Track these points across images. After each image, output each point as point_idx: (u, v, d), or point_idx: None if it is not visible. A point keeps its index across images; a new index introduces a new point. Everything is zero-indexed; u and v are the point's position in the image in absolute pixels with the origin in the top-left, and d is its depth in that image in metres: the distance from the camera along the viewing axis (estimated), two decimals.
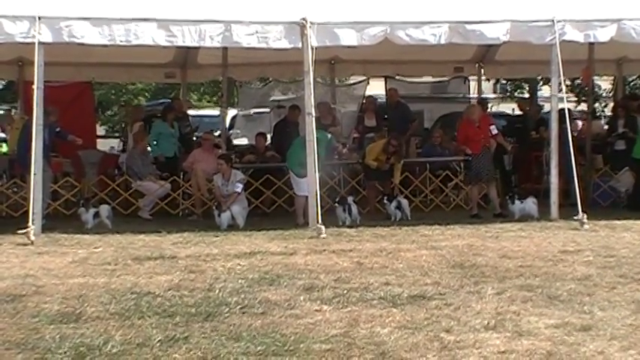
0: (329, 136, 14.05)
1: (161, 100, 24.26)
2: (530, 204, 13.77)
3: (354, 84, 21.28)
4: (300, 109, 14.44)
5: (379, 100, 18.55)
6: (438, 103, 22.84)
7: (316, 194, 12.27)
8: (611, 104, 21.49)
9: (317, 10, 12.65)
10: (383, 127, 16.67)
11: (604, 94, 32.03)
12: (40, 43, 11.89)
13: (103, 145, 21.33)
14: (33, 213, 11.54)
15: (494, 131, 14.80)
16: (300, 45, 12.53)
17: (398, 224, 13.03)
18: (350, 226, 12.81)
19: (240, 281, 8.39)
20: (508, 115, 22.88)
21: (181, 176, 15.28)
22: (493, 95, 31.73)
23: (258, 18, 12.61)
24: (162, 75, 19.16)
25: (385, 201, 14.09)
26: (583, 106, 25.29)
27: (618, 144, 16.25)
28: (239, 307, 7.25)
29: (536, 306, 7.25)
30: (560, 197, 13.51)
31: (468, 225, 12.75)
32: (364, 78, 20.20)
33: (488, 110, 18.23)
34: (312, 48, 12.42)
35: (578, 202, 12.61)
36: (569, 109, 14.84)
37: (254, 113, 22.35)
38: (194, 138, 17.12)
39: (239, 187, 13.66)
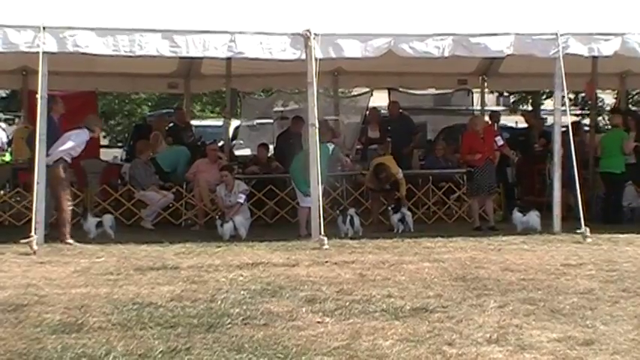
0: (331, 147, 13.96)
1: (164, 110, 24.30)
2: (533, 217, 13.77)
3: (357, 95, 21.30)
4: (303, 120, 14.44)
5: (383, 111, 18.56)
6: (442, 115, 22.88)
7: (319, 205, 12.26)
8: None
9: (321, 22, 12.67)
10: (386, 138, 16.67)
11: (607, 107, 32.00)
12: (44, 52, 11.90)
13: (106, 154, 21.36)
14: (36, 222, 11.53)
15: (500, 142, 14.80)
16: (303, 56, 12.55)
17: (400, 236, 13.03)
18: (352, 238, 12.77)
19: (242, 292, 8.38)
20: (511, 127, 22.88)
21: (184, 186, 15.29)
22: (496, 108, 31.70)
23: (263, 29, 12.63)
24: (165, 85, 19.18)
25: (390, 213, 14.06)
26: (586, 120, 25.26)
27: None
28: (241, 318, 7.25)
29: (538, 319, 7.25)
30: (563, 210, 13.49)
31: (471, 237, 12.72)
32: (368, 89, 20.22)
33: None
34: (315, 59, 12.43)
35: (580, 215, 12.59)
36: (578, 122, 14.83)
37: (257, 124, 22.38)
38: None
39: (242, 198, 13.67)
